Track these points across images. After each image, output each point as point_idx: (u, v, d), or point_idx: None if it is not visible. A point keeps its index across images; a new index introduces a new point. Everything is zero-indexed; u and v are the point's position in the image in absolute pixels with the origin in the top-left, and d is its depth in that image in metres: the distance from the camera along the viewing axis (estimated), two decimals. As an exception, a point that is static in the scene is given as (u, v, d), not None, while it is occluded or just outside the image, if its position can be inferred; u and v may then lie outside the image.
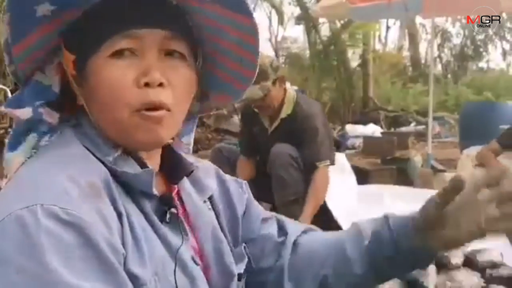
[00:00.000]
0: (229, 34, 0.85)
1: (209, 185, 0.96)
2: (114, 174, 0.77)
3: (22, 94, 0.80)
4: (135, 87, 0.76)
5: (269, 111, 2.80)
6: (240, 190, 1.04)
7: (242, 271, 0.95)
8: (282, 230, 1.04)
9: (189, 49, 0.83)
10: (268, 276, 1.00)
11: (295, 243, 1.01)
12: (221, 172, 1.04)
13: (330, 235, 1.03)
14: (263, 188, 2.86)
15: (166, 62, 0.79)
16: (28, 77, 0.81)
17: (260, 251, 1.01)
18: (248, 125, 3.02)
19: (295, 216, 2.66)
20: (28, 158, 0.79)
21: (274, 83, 2.70)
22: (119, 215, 0.74)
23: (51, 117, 0.81)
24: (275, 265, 1.00)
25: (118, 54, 0.77)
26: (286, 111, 2.80)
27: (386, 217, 0.94)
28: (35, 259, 0.63)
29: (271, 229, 1.04)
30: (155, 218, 0.80)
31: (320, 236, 1.05)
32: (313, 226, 1.11)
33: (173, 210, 0.83)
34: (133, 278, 0.71)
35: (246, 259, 0.98)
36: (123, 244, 0.72)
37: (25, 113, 0.78)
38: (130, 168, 0.79)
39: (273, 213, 1.09)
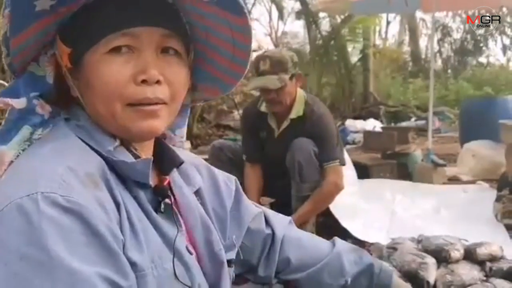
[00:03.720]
0: (221, 32, 0.88)
1: (196, 178, 1.00)
2: (110, 165, 0.79)
3: (16, 84, 0.82)
4: (132, 83, 0.79)
5: (280, 107, 2.69)
6: (229, 184, 1.08)
7: (231, 258, 1.00)
8: (269, 224, 1.13)
9: (183, 45, 0.85)
10: (258, 267, 1.10)
11: (283, 238, 1.12)
12: (211, 166, 1.09)
13: (309, 241, 1.15)
14: (268, 182, 2.88)
15: (162, 59, 0.82)
16: (23, 68, 0.82)
17: (250, 244, 1.09)
18: (253, 129, 2.87)
19: None
20: (22, 151, 0.80)
21: (291, 78, 2.63)
22: (117, 204, 0.76)
23: (43, 109, 0.82)
24: (266, 257, 1.10)
25: (116, 50, 0.79)
26: (296, 112, 2.71)
27: (371, 265, 1.08)
28: (37, 246, 0.65)
29: (260, 223, 1.12)
30: (150, 208, 0.82)
31: (302, 240, 1.16)
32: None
33: (167, 200, 0.86)
34: (131, 264, 0.73)
35: (236, 249, 1.03)
36: (121, 231, 0.74)
37: (19, 103, 0.80)
38: (127, 158, 0.82)
39: (261, 207, 1.17)
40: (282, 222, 1.16)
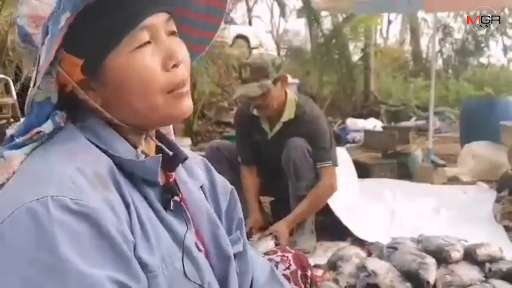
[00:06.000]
0: (197, 3, 0.90)
1: (200, 174, 0.99)
2: (118, 164, 0.79)
3: (30, 120, 0.79)
4: (163, 72, 0.80)
5: (269, 111, 2.71)
6: (226, 185, 1.06)
7: (238, 251, 0.97)
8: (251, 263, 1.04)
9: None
10: None
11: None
12: (208, 163, 1.07)
13: None
14: (265, 182, 2.90)
15: (173, 41, 0.83)
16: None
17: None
18: (247, 133, 2.89)
19: None
20: (29, 153, 0.79)
21: (275, 82, 2.63)
22: (126, 205, 0.75)
23: (62, 120, 0.81)
24: None
25: (140, 46, 0.79)
26: (288, 115, 2.72)
27: None
28: (48, 250, 0.65)
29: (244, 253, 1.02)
30: (159, 207, 0.82)
31: None
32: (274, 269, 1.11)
33: (176, 198, 0.85)
34: (142, 265, 0.73)
35: (242, 241, 1.00)
36: (132, 232, 0.74)
37: (48, 127, 0.79)
38: (135, 157, 0.81)
39: (247, 245, 1.05)
40: (263, 267, 1.08)
